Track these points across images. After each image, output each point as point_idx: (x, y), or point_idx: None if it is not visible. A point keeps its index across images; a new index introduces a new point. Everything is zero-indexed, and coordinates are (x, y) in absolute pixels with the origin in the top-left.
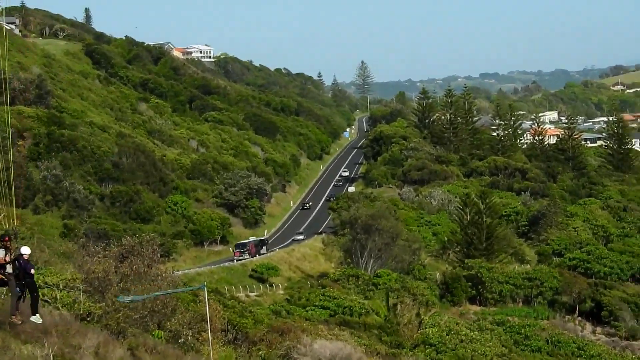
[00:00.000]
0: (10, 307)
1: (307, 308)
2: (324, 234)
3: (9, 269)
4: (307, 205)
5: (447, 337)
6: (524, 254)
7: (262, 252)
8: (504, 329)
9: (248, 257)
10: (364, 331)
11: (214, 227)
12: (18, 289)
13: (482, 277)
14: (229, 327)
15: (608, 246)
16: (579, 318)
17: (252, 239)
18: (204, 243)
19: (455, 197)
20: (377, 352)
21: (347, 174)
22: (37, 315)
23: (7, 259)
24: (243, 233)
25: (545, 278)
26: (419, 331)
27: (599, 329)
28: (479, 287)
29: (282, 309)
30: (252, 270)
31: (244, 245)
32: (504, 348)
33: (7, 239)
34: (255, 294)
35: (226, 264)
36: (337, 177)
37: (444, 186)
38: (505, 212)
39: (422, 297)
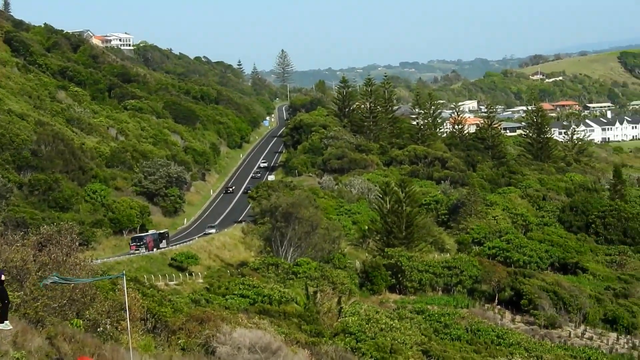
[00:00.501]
0: None
1: (227, 297)
2: (243, 223)
3: None
4: (231, 189)
5: (367, 325)
6: (444, 243)
7: (161, 246)
8: (423, 318)
9: (145, 251)
10: (283, 320)
11: (133, 215)
12: None
13: (401, 265)
14: (148, 315)
15: (527, 235)
16: (499, 306)
17: (151, 232)
18: (123, 232)
19: (375, 185)
20: (297, 340)
21: (265, 164)
22: (6, 322)
23: None
24: (163, 221)
25: (464, 267)
26: (339, 320)
27: (518, 318)
28: (399, 275)
29: (201, 297)
30: (172, 259)
31: (140, 238)
32: (423, 336)
33: None
34: (174, 282)
35: (145, 252)
36: (255, 169)
37: (364, 175)
38: (425, 200)
39: (341, 286)
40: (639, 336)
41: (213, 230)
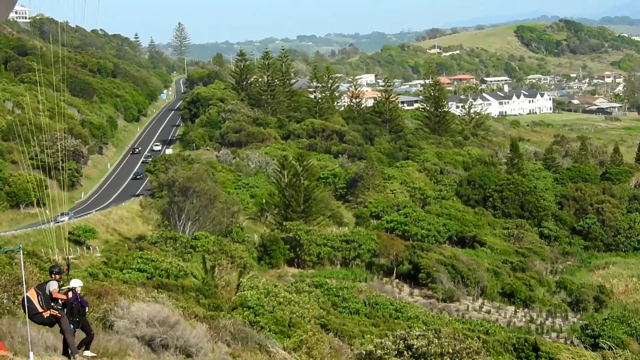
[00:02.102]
0: (71, 346)
1: (125, 271)
2: (141, 197)
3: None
4: (137, 150)
5: (266, 299)
6: (342, 217)
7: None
8: (322, 291)
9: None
10: (181, 294)
11: (30, 189)
12: (72, 326)
13: (300, 239)
14: None
15: (425, 209)
16: (397, 280)
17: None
18: (20, 205)
19: (273, 159)
20: (195, 314)
21: (159, 147)
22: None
23: (68, 295)
24: (60, 195)
25: (363, 240)
26: (237, 293)
27: (416, 291)
28: (297, 249)
29: (99, 271)
30: (69, 232)
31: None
32: (322, 310)
33: (57, 271)
34: (72, 256)
35: (42, 226)
36: (145, 153)
37: (262, 148)
38: (323, 174)
39: (240, 260)
40: (536, 309)
41: (65, 218)
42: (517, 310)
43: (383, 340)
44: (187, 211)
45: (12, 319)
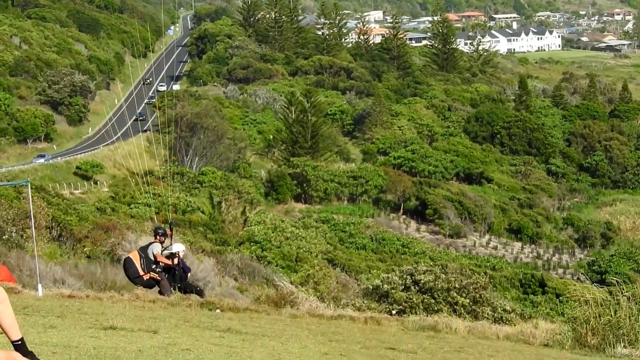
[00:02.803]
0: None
1: (132, 206)
2: (148, 132)
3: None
4: (149, 80)
5: (273, 234)
6: (349, 153)
7: None
8: (329, 227)
9: None
10: (189, 228)
11: (37, 124)
12: (172, 289)
13: (307, 175)
14: (54, 224)
15: (433, 145)
16: (404, 216)
17: None
18: (28, 140)
19: (281, 95)
20: (203, 249)
21: (163, 88)
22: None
23: (174, 261)
24: (67, 131)
25: (370, 176)
26: (245, 228)
27: (423, 227)
28: (304, 185)
29: (107, 206)
30: (77, 167)
31: None
32: (329, 245)
33: (162, 233)
34: (79, 191)
35: (50, 161)
36: (149, 94)
37: (269, 85)
38: (330, 111)
39: (247, 195)
40: (543, 246)
41: (42, 160)
42: (524, 246)
43: (390, 275)
44: (195, 147)
45: (21, 253)
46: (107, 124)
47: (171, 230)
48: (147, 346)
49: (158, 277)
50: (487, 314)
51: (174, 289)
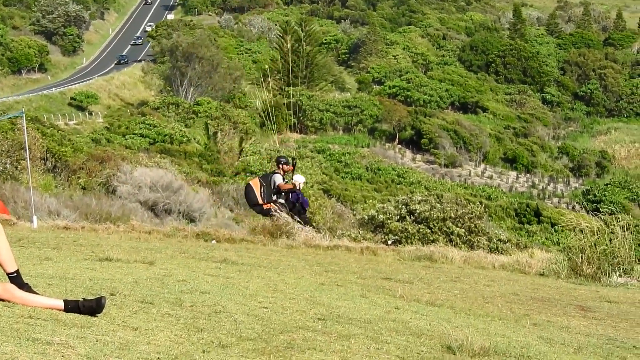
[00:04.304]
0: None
1: (127, 136)
2: (143, 62)
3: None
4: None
5: (268, 164)
6: (344, 82)
7: None
8: (324, 157)
9: None
10: (184, 159)
11: (31, 55)
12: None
13: (302, 104)
14: (48, 155)
15: (428, 74)
16: (399, 146)
17: None
18: (22, 71)
19: (276, 25)
20: (198, 179)
21: (151, 28)
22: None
23: (295, 185)
24: (62, 61)
25: (365, 106)
26: (240, 159)
27: (418, 157)
28: (300, 115)
29: (101, 137)
30: (71, 98)
31: None
32: (324, 175)
33: (285, 162)
34: (74, 122)
35: (45, 92)
36: (137, 35)
37: (264, 14)
38: (325, 40)
39: (242, 125)
40: (538, 175)
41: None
42: (519, 175)
43: (385, 206)
44: (190, 77)
45: (16, 184)
46: (102, 53)
47: (294, 165)
48: (143, 277)
49: (276, 211)
50: (483, 243)
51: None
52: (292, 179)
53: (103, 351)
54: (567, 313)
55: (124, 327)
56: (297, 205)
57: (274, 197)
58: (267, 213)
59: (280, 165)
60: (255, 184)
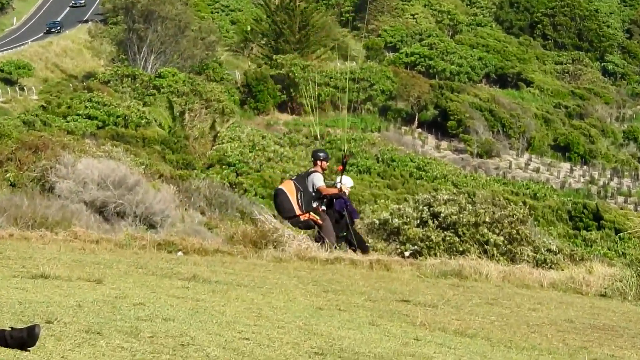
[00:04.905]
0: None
1: (69, 118)
2: (90, 23)
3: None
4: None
5: (251, 154)
6: (349, 49)
7: None
8: (322, 144)
9: None
10: (142, 147)
11: None
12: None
13: (294, 77)
14: None
15: (455, 38)
16: (419, 130)
17: None
18: None
19: None
20: (161, 174)
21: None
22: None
23: (341, 189)
24: None
25: (375, 79)
26: (214, 147)
27: (444, 144)
28: (291, 90)
29: (36, 118)
30: None
31: None
32: None
33: (324, 157)
34: (1, 99)
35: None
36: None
37: None
38: None
39: (217, 104)
40: (598, 167)
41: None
42: (574, 168)
43: (402, 207)
44: (150, 41)
45: None
46: (37, 12)
47: (344, 164)
48: (88, 300)
49: (319, 221)
50: (527, 255)
51: (339, 240)
52: (338, 181)
53: None
54: (636, 345)
55: None
56: (343, 215)
57: (314, 205)
58: (307, 226)
59: (319, 162)
60: (289, 188)
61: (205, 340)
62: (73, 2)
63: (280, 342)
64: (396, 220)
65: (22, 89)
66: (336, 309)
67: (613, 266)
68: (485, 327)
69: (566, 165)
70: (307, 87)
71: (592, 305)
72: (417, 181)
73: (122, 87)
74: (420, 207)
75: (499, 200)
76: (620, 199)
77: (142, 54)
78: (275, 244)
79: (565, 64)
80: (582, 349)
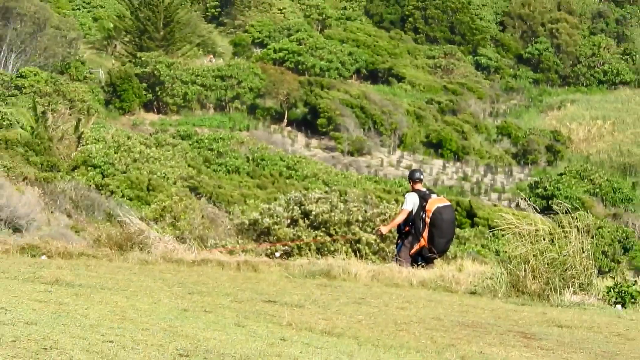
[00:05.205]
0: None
1: None
2: None
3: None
4: None
5: (116, 155)
6: (215, 45)
7: None
8: (190, 144)
9: None
10: (5, 150)
11: None
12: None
13: (160, 75)
14: None
15: (325, 33)
16: (289, 128)
17: None
18: None
19: None
20: (25, 176)
21: None
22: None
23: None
24: None
25: (243, 76)
26: (79, 148)
27: (314, 142)
28: (157, 89)
29: None
30: None
31: None
32: (191, 169)
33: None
34: None
35: None
36: None
37: None
38: None
39: (81, 104)
40: (472, 163)
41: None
42: (447, 164)
43: (272, 206)
44: (10, 39)
45: None
46: None
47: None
48: None
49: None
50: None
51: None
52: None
53: None
54: (505, 342)
55: None
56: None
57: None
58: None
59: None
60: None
61: (69, 343)
62: None
63: (144, 344)
64: (267, 219)
65: None
66: (202, 310)
67: (485, 264)
68: (353, 326)
69: (439, 162)
70: (173, 86)
71: (461, 302)
72: (287, 180)
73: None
74: (291, 206)
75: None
76: (494, 195)
77: (1, 53)
78: (141, 246)
79: (437, 58)
80: (451, 346)
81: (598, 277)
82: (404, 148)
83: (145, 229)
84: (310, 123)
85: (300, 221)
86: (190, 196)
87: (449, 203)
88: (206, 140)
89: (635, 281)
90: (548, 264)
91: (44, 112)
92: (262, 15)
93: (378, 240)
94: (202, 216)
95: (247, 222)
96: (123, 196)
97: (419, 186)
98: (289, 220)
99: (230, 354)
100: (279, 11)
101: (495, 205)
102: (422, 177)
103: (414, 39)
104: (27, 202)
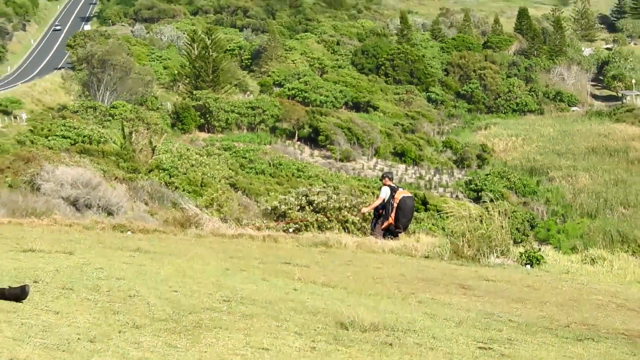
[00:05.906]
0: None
1: (50, 138)
2: (62, 70)
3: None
4: (58, 27)
5: (179, 161)
6: (247, 85)
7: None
8: (230, 154)
9: None
10: (102, 158)
11: None
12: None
13: (209, 106)
14: None
15: (323, 77)
16: (298, 142)
17: None
18: None
19: (184, 33)
20: (116, 176)
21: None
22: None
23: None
24: None
25: (267, 107)
26: (153, 157)
27: (316, 152)
28: (207, 115)
29: (26, 139)
30: None
31: None
32: (230, 171)
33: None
34: (1, 125)
35: None
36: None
37: (173, 24)
38: (229, 47)
39: (155, 126)
40: (425, 167)
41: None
42: (408, 168)
43: (286, 197)
44: (106, 82)
45: None
46: (25, 62)
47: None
48: (63, 266)
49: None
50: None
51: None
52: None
53: (28, 333)
54: (449, 291)
55: (46, 311)
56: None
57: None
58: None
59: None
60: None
61: (146, 292)
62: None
63: (199, 293)
64: (283, 206)
65: (15, 117)
66: (239, 269)
67: (435, 237)
68: (343, 280)
69: (402, 166)
70: (218, 114)
71: (419, 264)
72: (298, 179)
73: (87, 115)
74: (300, 197)
75: (356, 191)
76: (441, 189)
77: (100, 91)
78: (196, 224)
79: (401, 94)
80: (411, 294)
81: (513, 246)
82: (378, 156)
83: (199, 213)
84: (313, 139)
85: (307, 207)
86: (230, 190)
87: (410, 194)
88: (241, 151)
89: (540, 249)
90: (478, 237)
91: (130, 132)
92: (280, 65)
93: (360, 220)
94: (239, 204)
95: (269, 208)
96: (184, 190)
97: (389, 183)
98: (298, 207)
99: (258, 300)
100: (292, 62)
101: (441, 196)
102: (391, 176)
103: (385, 81)
104: (117, 194)
